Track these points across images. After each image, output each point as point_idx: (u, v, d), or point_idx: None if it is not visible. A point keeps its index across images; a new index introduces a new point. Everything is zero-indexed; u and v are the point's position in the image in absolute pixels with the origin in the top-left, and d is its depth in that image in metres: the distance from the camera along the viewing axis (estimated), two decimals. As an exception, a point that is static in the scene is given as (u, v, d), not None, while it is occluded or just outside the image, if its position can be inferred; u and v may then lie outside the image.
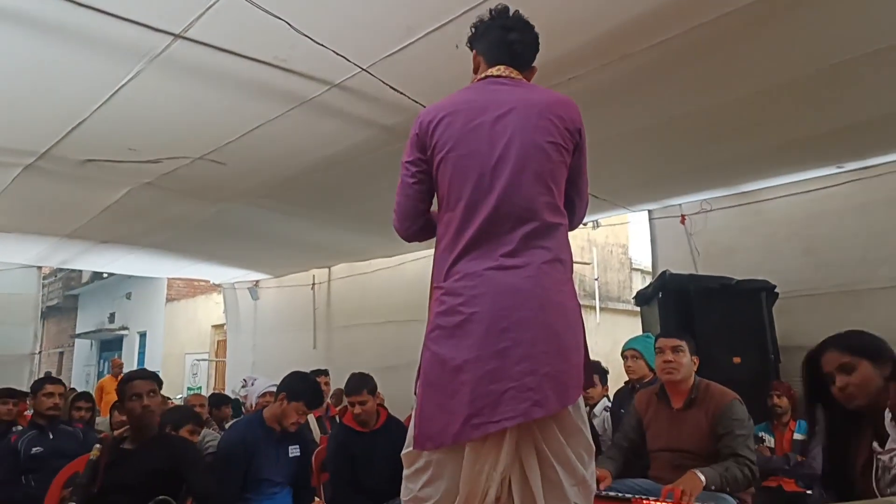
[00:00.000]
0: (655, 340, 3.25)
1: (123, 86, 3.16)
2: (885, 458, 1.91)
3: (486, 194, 1.69)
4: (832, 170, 4.56)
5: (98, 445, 2.48)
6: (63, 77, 3.13)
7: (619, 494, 2.69)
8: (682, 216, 5.51)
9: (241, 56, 2.90)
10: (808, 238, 4.90)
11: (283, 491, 3.32)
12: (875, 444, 1.96)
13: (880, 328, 2.15)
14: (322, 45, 2.77)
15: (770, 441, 4.28)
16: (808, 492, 4.00)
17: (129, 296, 17.85)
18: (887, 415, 1.91)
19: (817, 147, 4.07)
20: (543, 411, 1.54)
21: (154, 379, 2.92)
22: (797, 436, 4.21)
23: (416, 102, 3.26)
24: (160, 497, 1.81)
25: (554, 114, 1.75)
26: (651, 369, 3.97)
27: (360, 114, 3.58)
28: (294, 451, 3.41)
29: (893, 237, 4.50)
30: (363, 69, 3.03)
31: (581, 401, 1.69)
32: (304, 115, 3.52)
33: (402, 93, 3.23)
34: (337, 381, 5.87)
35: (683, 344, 3.05)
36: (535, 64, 1.95)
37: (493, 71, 1.86)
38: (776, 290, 4.57)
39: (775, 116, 3.63)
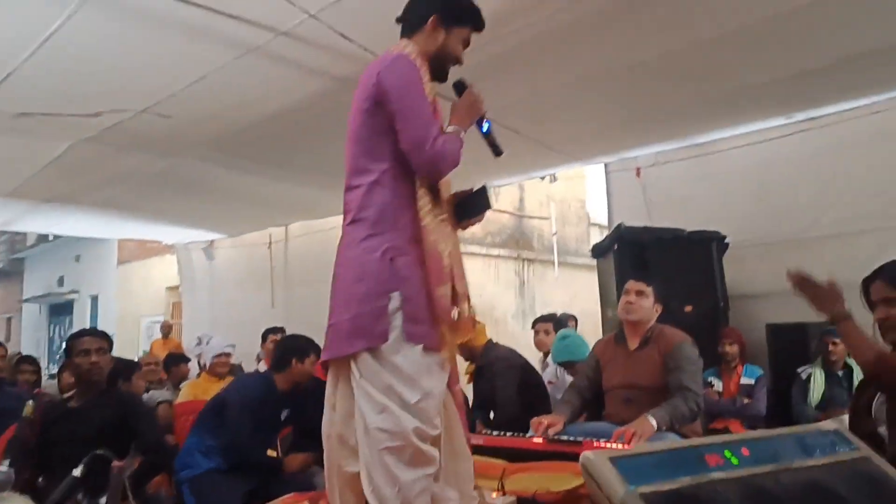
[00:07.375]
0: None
1: (56, 31, 2.99)
2: None
3: None
4: (781, 120, 4.61)
5: (30, 402, 2.43)
6: (-11, 22, 2.94)
7: (571, 438, 2.74)
8: (637, 168, 5.56)
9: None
10: (759, 187, 4.99)
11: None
12: None
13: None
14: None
15: (718, 385, 4.43)
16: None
17: (78, 258, 17.36)
18: None
19: (767, 95, 4.09)
20: (326, 355, 1.84)
21: (103, 337, 2.88)
22: (745, 380, 4.36)
23: (367, 50, 3.16)
24: (97, 451, 1.78)
25: (364, 78, 1.88)
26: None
27: (310, 63, 3.46)
28: (285, 413, 3.44)
29: (839, 185, 4.60)
30: (310, 15, 2.92)
31: (393, 346, 1.73)
32: (252, 64, 3.39)
33: (351, 40, 3.13)
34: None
35: (649, 289, 3.13)
36: (431, 19, 1.93)
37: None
38: (726, 241, 4.67)
39: (725, 63, 3.63)
